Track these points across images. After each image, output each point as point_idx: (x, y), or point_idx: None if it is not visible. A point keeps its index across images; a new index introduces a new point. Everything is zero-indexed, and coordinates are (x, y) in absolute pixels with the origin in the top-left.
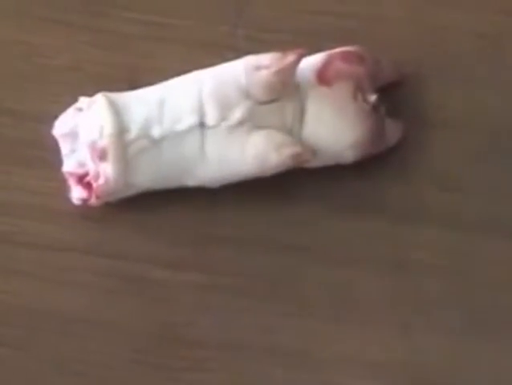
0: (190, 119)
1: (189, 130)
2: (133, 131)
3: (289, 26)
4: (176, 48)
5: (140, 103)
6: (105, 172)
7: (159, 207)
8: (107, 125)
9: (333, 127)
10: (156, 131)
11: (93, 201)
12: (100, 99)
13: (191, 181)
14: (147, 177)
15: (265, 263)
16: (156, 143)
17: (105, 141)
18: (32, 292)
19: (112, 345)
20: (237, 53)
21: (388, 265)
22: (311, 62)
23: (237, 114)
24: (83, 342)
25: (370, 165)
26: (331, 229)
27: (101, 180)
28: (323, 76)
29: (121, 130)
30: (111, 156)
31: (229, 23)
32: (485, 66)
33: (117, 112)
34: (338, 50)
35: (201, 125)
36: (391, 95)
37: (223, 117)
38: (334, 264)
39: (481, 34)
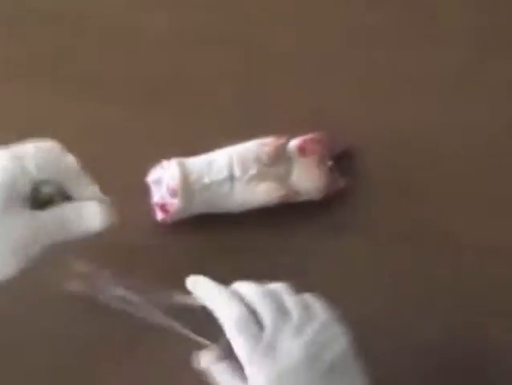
0: (225, 173)
1: (225, 179)
2: (193, 180)
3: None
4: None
5: (197, 163)
6: (176, 203)
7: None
8: (176, 177)
9: (307, 179)
10: (206, 180)
11: (167, 219)
12: (174, 161)
13: (225, 209)
14: (199, 206)
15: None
16: (205, 186)
17: (176, 186)
18: None
19: None
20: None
21: None
22: (294, 143)
23: (251, 172)
24: None
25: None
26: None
27: (173, 208)
28: (301, 151)
29: (185, 180)
30: (179, 194)
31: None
32: (421, 141)
33: (184, 169)
34: (309, 136)
35: (231, 177)
36: (340, 159)
37: (244, 173)
38: None
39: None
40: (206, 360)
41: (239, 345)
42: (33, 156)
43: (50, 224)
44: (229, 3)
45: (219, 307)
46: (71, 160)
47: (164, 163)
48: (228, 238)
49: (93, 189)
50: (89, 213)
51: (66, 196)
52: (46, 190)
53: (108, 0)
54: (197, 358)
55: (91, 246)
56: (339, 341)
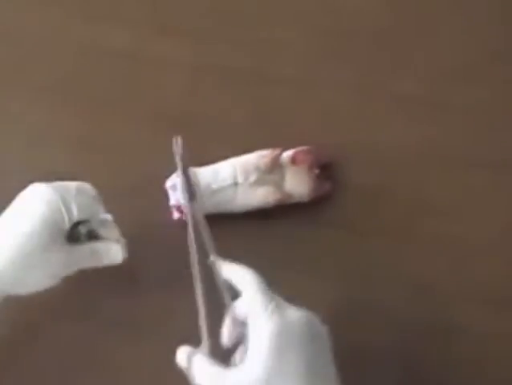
0: (229, 181)
1: (229, 186)
2: (202, 187)
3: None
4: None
5: (204, 172)
6: (190, 206)
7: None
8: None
9: (298, 184)
10: (213, 186)
11: (183, 218)
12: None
13: (229, 210)
14: (208, 208)
15: None
16: (213, 192)
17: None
18: None
19: None
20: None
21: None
22: (287, 154)
23: (252, 178)
24: None
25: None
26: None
27: (187, 208)
28: (293, 161)
29: (195, 186)
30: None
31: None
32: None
33: (194, 176)
34: (299, 148)
35: (235, 183)
36: (325, 168)
37: (245, 180)
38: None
39: None
40: (186, 352)
41: (257, 300)
42: (74, 196)
43: (84, 258)
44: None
45: (243, 275)
46: (101, 204)
47: (178, 172)
48: (231, 235)
49: (116, 231)
50: (114, 250)
51: (92, 234)
52: (83, 230)
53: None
54: (179, 353)
55: None
56: (324, 335)
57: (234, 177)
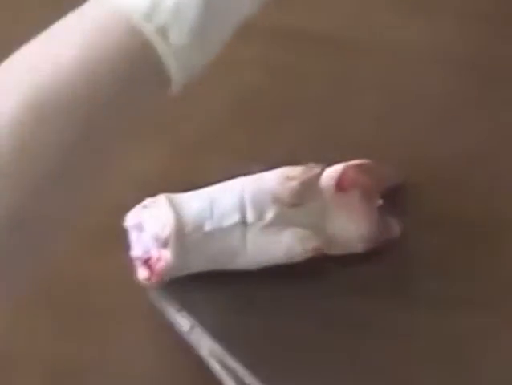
0: (234, 217)
1: (234, 226)
2: (190, 225)
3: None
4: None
5: (195, 202)
6: (166, 257)
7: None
8: (169, 220)
9: (347, 225)
10: (207, 226)
11: (153, 280)
12: (162, 198)
13: (234, 266)
14: (198, 263)
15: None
16: (207, 235)
17: (166, 233)
18: None
19: None
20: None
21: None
22: (330, 174)
23: (269, 215)
24: None
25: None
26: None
27: (162, 264)
28: (340, 185)
29: (180, 224)
30: (171, 244)
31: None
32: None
33: (176, 209)
34: (351, 163)
35: (243, 222)
36: (391, 199)
37: (259, 217)
38: None
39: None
40: None
41: None
42: None
43: None
44: None
45: None
46: None
47: (148, 201)
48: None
49: None
50: None
51: None
52: None
53: None
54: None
55: None
56: None
57: (242, 212)
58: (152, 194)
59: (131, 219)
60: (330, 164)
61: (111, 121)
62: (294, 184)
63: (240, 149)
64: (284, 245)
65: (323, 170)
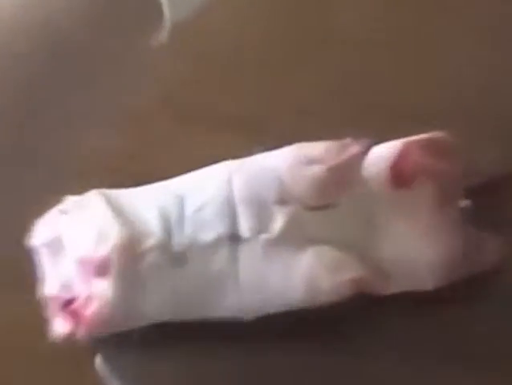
0: (217, 229)
1: (216, 243)
2: (142, 241)
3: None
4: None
5: (151, 202)
6: (102, 294)
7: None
8: (107, 231)
9: (409, 243)
10: (174, 243)
11: (80, 335)
12: (95, 197)
13: (219, 311)
14: (158, 306)
15: None
16: (173, 257)
17: (104, 253)
18: None
19: None
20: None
21: None
22: (382, 154)
23: (277, 224)
24: None
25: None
26: None
27: (95, 306)
28: (398, 174)
29: (125, 238)
30: (113, 272)
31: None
32: None
33: (119, 215)
34: (416, 137)
35: (232, 237)
36: (488, 201)
37: (260, 228)
38: None
39: None
40: None
41: None
42: None
43: None
44: None
45: None
46: None
47: (70, 201)
48: None
49: None
50: None
51: None
52: None
53: None
54: None
55: None
56: None
57: (230, 219)
58: (78, 192)
59: (41, 233)
60: (379, 141)
61: None
62: (317, 170)
63: (230, 118)
64: (302, 274)
65: (367, 149)
